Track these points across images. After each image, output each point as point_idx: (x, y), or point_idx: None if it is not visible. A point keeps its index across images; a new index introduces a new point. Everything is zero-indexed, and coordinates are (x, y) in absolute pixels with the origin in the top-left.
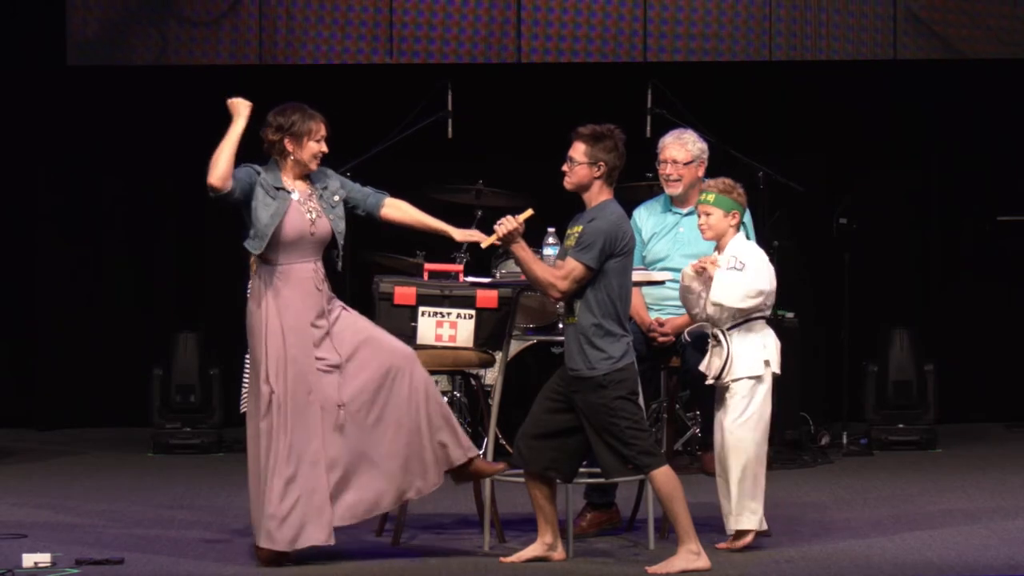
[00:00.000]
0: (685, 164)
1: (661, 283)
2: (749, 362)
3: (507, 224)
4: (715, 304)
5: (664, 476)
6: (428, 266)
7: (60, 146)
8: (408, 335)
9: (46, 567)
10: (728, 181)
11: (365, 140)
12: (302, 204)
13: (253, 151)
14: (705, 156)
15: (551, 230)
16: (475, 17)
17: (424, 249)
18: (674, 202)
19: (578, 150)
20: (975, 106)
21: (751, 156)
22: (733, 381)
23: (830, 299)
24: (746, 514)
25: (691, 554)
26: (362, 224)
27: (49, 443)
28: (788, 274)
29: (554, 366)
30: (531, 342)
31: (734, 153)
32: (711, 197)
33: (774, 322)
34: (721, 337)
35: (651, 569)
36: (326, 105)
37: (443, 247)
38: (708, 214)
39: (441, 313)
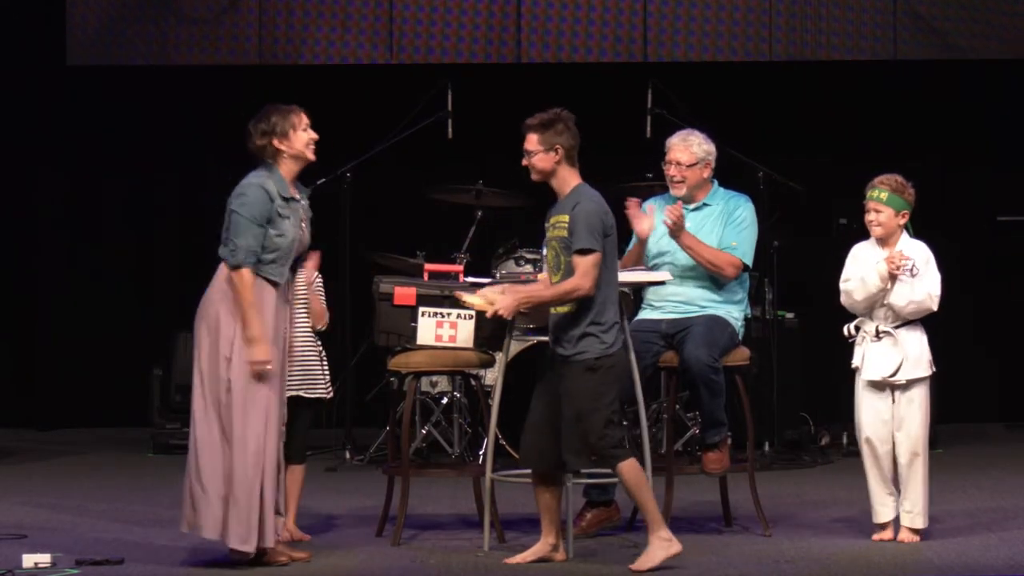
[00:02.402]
0: (689, 166)
1: (662, 283)
2: (923, 363)
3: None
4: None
5: (630, 467)
6: (428, 266)
7: (60, 146)
8: (408, 335)
9: (46, 567)
10: (900, 179)
11: (365, 140)
12: (297, 212)
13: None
14: (712, 157)
15: None
16: (475, 17)
17: (424, 249)
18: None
19: (531, 141)
20: (975, 106)
21: (751, 156)
22: (909, 382)
23: (830, 299)
24: (925, 514)
25: (664, 541)
26: (359, 224)
27: (49, 443)
28: (788, 274)
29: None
30: (531, 342)
31: (734, 153)
32: (884, 195)
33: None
34: (894, 334)
35: (634, 567)
36: (326, 105)
37: (444, 247)
38: (878, 211)
39: (441, 313)
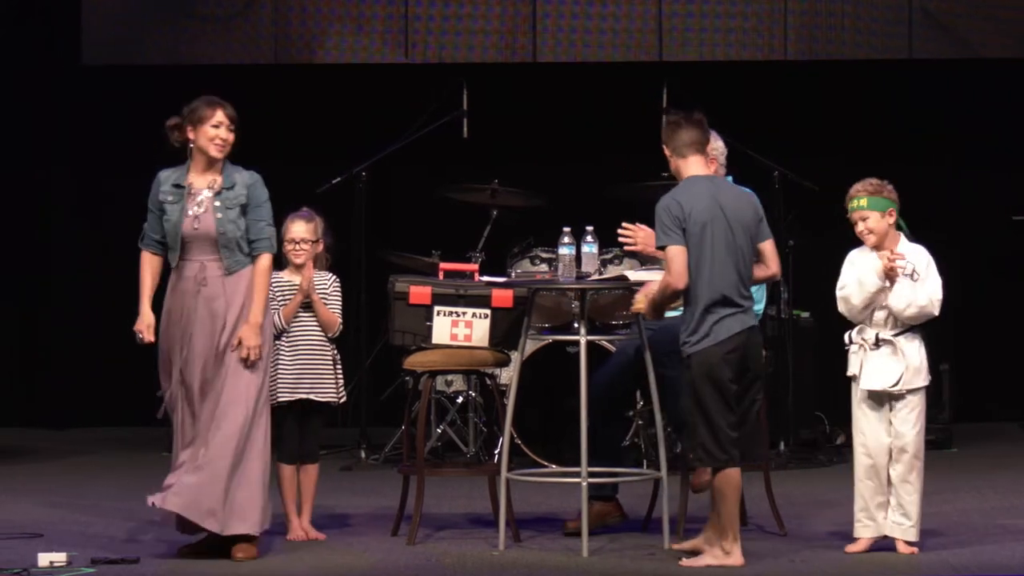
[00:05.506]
0: None
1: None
2: (922, 372)
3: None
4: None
5: (724, 476)
6: (443, 265)
7: (73, 145)
8: (423, 334)
9: (61, 566)
10: (875, 181)
11: (380, 140)
12: (193, 199)
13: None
14: (717, 152)
15: (566, 230)
16: (490, 17)
17: (439, 248)
18: None
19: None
20: (990, 106)
21: (766, 155)
22: (909, 392)
23: None
24: (919, 526)
25: (722, 552)
26: (374, 223)
27: (64, 443)
28: (804, 273)
29: (569, 365)
30: (546, 342)
31: (749, 152)
32: (864, 202)
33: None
34: (894, 342)
35: (683, 562)
36: (341, 105)
37: (459, 246)
38: (865, 219)
39: (456, 312)
